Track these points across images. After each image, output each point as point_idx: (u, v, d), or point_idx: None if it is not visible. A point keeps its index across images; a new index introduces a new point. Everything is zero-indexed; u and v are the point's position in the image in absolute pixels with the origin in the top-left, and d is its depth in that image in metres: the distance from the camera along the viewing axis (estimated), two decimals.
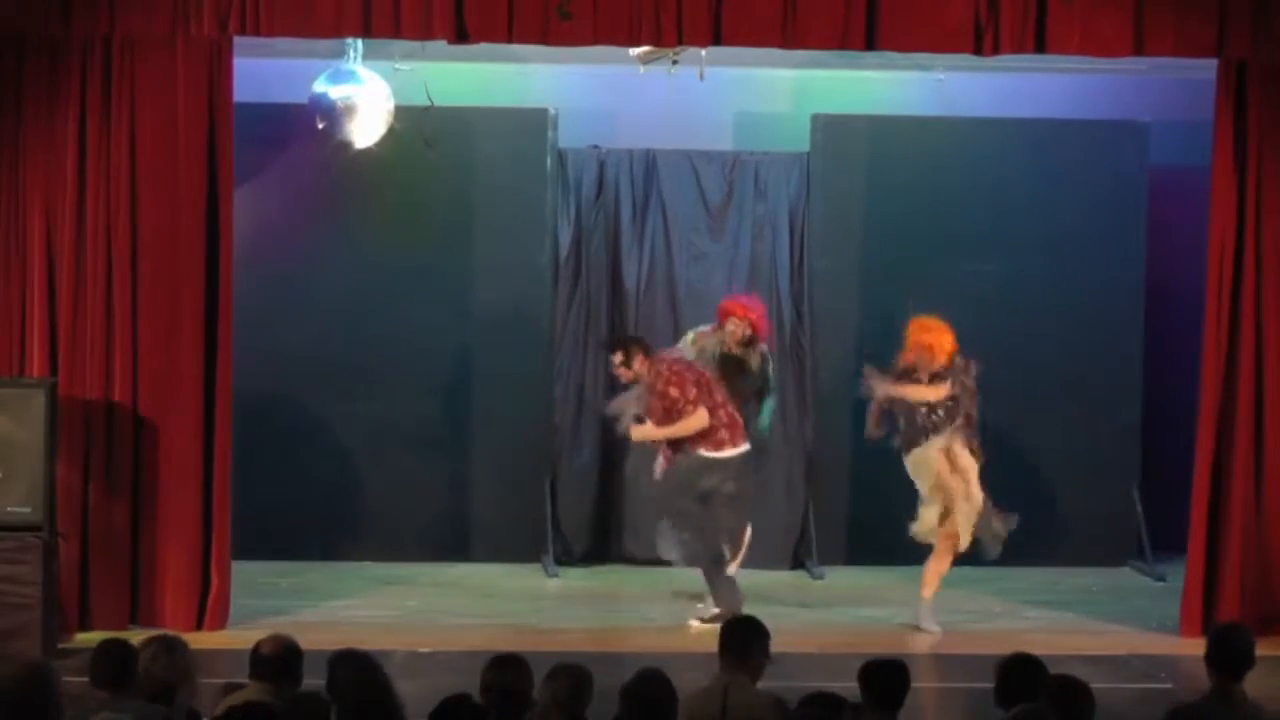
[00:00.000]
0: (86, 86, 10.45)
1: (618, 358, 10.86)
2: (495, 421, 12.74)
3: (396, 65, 12.13)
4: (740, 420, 10.94)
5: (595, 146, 13.03)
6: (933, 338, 10.85)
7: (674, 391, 10.64)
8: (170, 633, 7.20)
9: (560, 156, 12.89)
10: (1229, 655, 6.42)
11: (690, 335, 11.75)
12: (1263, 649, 6.66)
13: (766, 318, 11.87)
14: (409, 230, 12.66)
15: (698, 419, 10.63)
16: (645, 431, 10.82)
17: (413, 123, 12.16)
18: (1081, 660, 9.49)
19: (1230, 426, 10.80)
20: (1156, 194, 12.87)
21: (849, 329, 12.93)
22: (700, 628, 10.69)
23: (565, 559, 12.73)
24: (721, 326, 11.51)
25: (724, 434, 10.74)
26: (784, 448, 12.87)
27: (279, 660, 6.41)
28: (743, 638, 6.76)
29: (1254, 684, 6.44)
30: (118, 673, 6.19)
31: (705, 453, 10.70)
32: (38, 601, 9.86)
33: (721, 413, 10.74)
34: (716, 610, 10.62)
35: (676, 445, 10.76)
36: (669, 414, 10.66)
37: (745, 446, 10.86)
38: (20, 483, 9.95)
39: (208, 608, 10.60)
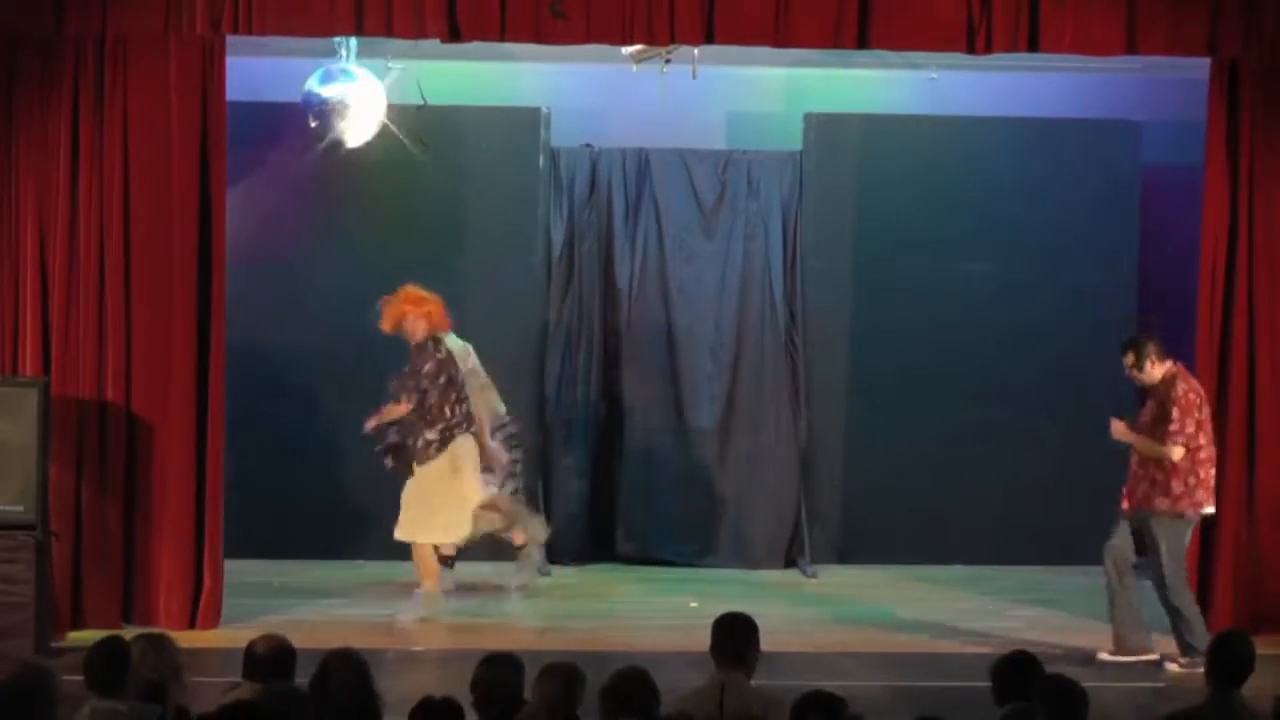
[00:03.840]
0: (79, 85, 10.44)
1: (1129, 359, 10.24)
2: None
3: (389, 64, 12.12)
4: (1212, 483, 10.11)
5: (588, 145, 13.01)
6: (414, 308, 10.91)
7: (1175, 413, 9.98)
8: (157, 630, 7.18)
9: (553, 155, 12.87)
10: (1230, 663, 6.39)
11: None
12: (1256, 647, 6.65)
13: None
14: (402, 229, 12.64)
15: (1175, 452, 9.93)
16: (1121, 431, 10.16)
17: (406, 122, 12.17)
18: (1075, 659, 9.50)
19: (1223, 425, 10.80)
20: (1149, 193, 12.87)
21: (841, 328, 12.95)
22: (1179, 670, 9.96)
23: (558, 558, 12.71)
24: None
25: (1183, 488, 9.99)
26: (776, 446, 12.88)
27: (272, 660, 6.39)
28: (735, 635, 6.60)
29: (1247, 683, 6.43)
30: (113, 674, 6.16)
31: (1164, 507, 10.02)
32: (30, 600, 9.86)
33: (1200, 470, 10.03)
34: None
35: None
36: (1156, 429, 10.06)
37: (1209, 509, 10.12)
38: (13, 482, 9.94)
39: (200, 606, 10.59)
